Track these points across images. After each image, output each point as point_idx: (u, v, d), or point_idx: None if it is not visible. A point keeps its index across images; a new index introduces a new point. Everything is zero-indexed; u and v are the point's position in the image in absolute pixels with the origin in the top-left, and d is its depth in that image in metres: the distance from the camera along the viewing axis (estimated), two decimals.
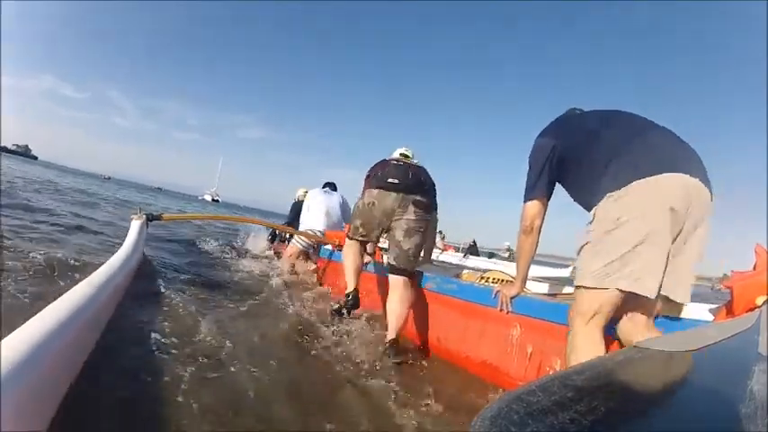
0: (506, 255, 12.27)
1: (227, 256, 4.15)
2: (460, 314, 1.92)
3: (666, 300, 1.20)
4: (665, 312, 1.29)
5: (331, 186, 4.24)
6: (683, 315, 1.36)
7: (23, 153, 73.54)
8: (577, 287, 1.19)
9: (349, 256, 2.35)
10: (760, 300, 1.33)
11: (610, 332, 1.24)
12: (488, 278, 2.93)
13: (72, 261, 2.04)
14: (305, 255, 3.79)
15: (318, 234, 3.63)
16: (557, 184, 1.44)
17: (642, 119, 1.32)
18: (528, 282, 1.75)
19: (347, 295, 2.13)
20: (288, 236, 4.61)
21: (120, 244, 2.00)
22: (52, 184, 11.58)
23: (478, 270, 3.10)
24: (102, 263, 1.55)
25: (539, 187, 1.41)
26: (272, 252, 4.91)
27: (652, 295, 1.10)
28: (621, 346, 1.27)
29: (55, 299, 0.96)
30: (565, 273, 11.01)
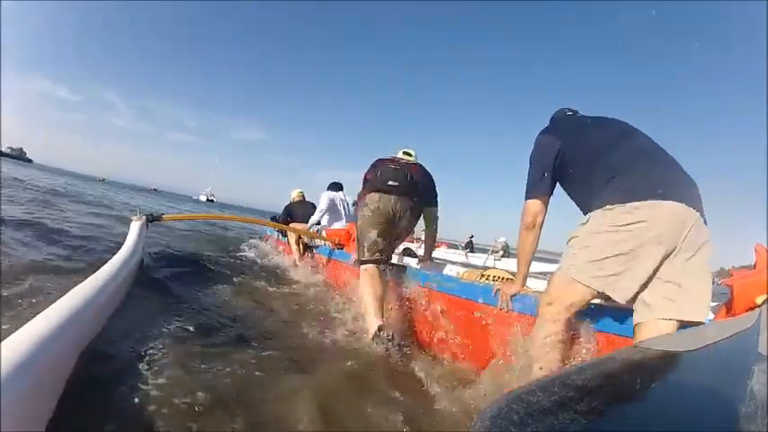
0: (500, 252, 12.14)
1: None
2: (463, 313, 1.92)
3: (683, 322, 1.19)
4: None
5: (338, 186, 4.26)
6: None
7: (18, 156, 73.43)
8: (557, 274, 1.26)
9: (368, 283, 1.97)
10: (760, 299, 1.33)
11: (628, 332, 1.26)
12: (489, 276, 2.93)
13: None
14: (305, 249, 3.89)
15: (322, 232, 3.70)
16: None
17: (646, 138, 1.36)
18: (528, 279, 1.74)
19: (377, 334, 1.76)
20: (283, 233, 4.70)
21: None
22: (19, 182, 10.59)
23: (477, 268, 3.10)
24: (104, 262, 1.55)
25: (543, 186, 1.43)
26: (281, 249, 4.94)
27: (622, 301, 1.15)
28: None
29: (55, 299, 0.96)
30: None
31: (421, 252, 3.34)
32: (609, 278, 1.15)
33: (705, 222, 1.20)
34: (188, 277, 2.58)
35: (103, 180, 56.62)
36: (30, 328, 0.77)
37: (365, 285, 1.97)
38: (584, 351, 1.27)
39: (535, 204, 1.44)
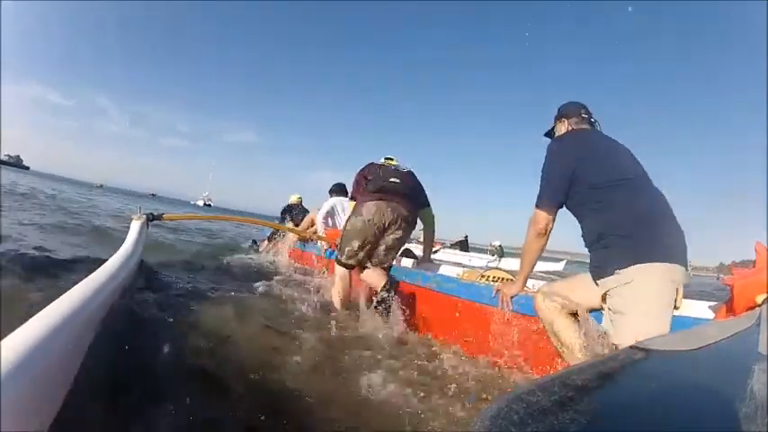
0: (494, 254, 12.32)
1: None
2: (463, 313, 1.92)
3: None
4: None
5: (343, 190, 4.23)
6: (685, 314, 1.37)
7: (15, 163, 73.32)
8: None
9: (339, 284, 2.28)
10: (760, 298, 1.33)
11: None
12: (489, 277, 2.93)
13: None
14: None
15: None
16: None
17: (658, 194, 1.45)
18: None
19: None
20: (282, 234, 4.74)
21: None
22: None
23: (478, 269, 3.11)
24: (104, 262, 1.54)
25: (555, 200, 1.49)
26: (274, 248, 4.97)
27: None
28: None
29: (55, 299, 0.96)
30: (558, 267, 11.08)
31: (419, 252, 3.38)
32: None
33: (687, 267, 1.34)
34: (189, 276, 2.59)
35: (101, 186, 56.47)
36: (30, 327, 0.76)
37: (336, 284, 2.30)
38: None
39: (546, 215, 1.48)
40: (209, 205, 65.00)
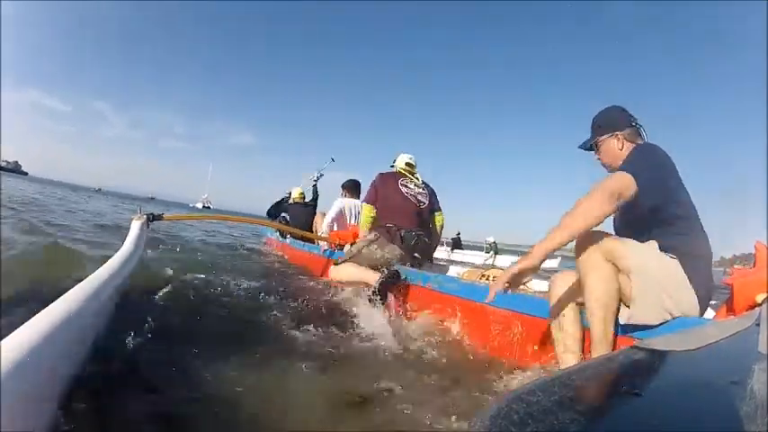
0: (488, 250, 12.35)
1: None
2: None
3: None
4: None
5: (354, 190, 4.07)
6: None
7: (14, 169, 73.32)
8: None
9: (351, 267, 2.40)
10: (760, 297, 1.33)
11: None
12: (489, 276, 2.93)
13: None
14: None
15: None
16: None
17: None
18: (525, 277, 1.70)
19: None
20: (283, 235, 4.70)
21: None
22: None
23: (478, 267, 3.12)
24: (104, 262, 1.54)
25: (646, 180, 1.23)
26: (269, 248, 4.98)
27: None
28: None
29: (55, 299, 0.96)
30: (553, 263, 11.08)
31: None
32: None
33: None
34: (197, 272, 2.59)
35: (99, 190, 56.35)
36: (30, 327, 0.76)
37: (346, 268, 2.40)
38: None
39: (631, 180, 1.20)
40: (209, 207, 65.02)
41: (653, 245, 1.33)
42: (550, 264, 11.25)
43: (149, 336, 1.39)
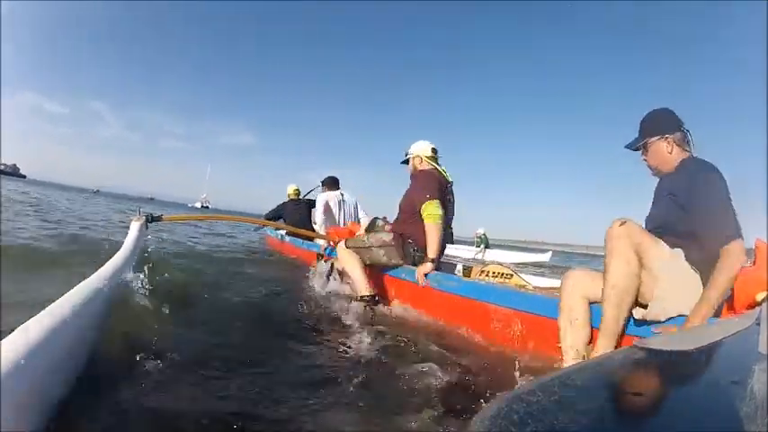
0: (479, 243, 12.11)
1: None
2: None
3: None
4: None
5: (334, 183, 4.24)
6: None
7: (12, 172, 72.95)
8: None
9: (355, 264, 2.33)
10: (760, 296, 1.33)
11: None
12: (488, 272, 2.93)
13: None
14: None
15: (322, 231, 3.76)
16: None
17: None
18: (525, 276, 1.70)
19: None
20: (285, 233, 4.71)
21: None
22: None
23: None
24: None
25: (732, 217, 1.31)
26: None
27: None
28: None
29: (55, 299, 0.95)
30: (545, 257, 11.02)
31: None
32: None
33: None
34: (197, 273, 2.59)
35: (97, 191, 55.98)
36: (30, 327, 0.76)
37: (352, 261, 2.32)
38: None
39: (742, 246, 1.27)
40: (208, 207, 64.92)
41: (680, 253, 1.34)
42: (541, 258, 11.18)
43: (149, 335, 1.39)
